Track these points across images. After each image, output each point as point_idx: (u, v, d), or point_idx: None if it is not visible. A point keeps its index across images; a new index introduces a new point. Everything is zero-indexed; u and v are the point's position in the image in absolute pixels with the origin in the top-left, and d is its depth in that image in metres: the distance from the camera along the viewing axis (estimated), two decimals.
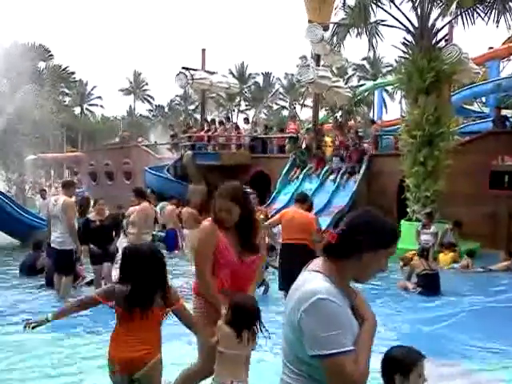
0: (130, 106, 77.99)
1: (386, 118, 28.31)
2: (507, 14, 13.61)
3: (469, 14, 13.81)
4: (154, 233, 12.18)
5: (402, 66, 14.55)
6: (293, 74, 51.75)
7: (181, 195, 16.45)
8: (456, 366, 5.55)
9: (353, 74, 64.97)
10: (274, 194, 17.20)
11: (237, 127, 21.45)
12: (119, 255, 9.38)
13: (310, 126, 20.06)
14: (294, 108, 67.08)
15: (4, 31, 69.99)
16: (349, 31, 15.00)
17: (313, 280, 2.01)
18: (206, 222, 3.78)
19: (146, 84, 79.43)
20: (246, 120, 23.15)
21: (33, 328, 3.44)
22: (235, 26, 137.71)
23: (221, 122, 21.66)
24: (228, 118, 25.66)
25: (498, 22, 13.67)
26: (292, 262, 7.13)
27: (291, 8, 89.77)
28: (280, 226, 7.87)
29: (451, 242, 12.44)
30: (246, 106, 74.18)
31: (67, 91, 68.53)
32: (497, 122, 16.60)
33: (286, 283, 7.41)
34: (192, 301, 3.91)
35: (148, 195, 11.81)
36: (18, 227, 13.86)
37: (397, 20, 14.01)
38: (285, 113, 67.98)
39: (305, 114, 54.84)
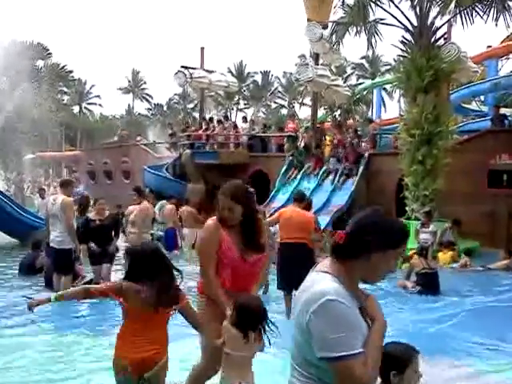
0: (129, 105, 77.91)
1: (384, 117, 28.31)
2: (506, 12, 13.64)
3: (468, 12, 13.83)
4: (153, 232, 12.18)
5: (401, 64, 14.58)
6: (291, 73, 51.60)
7: (179, 194, 16.45)
8: (463, 367, 5.50)
9: (352, 73, 64.85)
10: (272, 192, 17.20)
11: (235, 126, 21.45)
12: (119, 255, 9.42)
13: (309, 124, 20.06)
14: (293, 107, 67.04)
15: (2, 29, 69.75)
16: (348, 30, 15.01)
17: (321, 281, 1.98)
18: (210, 221, 3.79)
19: (145, 83, 79.33)
20: (245, 119, 23.14)
21: (36, 306, 3.46)
22: (234, 24, 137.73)
23: (219, 121, 21.66)
24: (227, 117, 25.65)
25: (496, 20, 13.70)
26: (291, 261, 7.14)
27: (290, 6, 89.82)
28: (277, 225, 7.85)
29: (450, 241, 12.46)
30: (245, 104, 74.13)
31: (66, 90, 68.39)
32: (495, 120, 16.60)
33: (284, 283, 7.42)
34: (196, 300, 3.91)
35: (147, 194, 11.81)
36: (17, 227, 13.84)
37: (396, 19, 14.03)
38: (283, 111, 67.93)
39: (304, 112, 54.88)
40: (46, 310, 7.58)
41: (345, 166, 16.40)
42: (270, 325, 3.42)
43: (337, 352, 1.86)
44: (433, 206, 13.27)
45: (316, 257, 7.80)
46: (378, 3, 14.36)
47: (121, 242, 9.85)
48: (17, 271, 10.40)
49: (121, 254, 9.61)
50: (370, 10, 14.58)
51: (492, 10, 13.63)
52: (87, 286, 4.01)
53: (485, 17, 13.68)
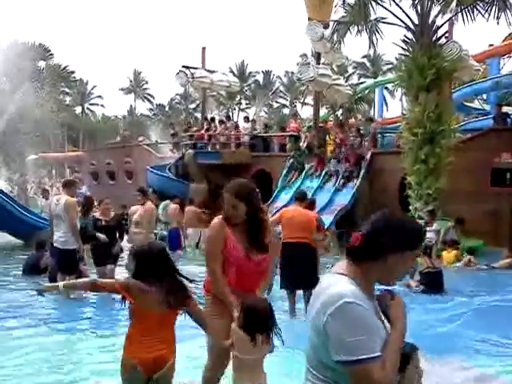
0: (131, 105, 77.98)
1: (386, 116, 28.31)
2: (507, 10, 13.62)
3: (469, 10, 13.81)
4: (156, 231, 12.20)
5: (403, 63, 14.56)
6: (293, 72, 51.57)
7: (182, 194, 16.47)
8: (472, 368, 5.44)
9: (353, 72, 64.83)
10: (275, 192, 17.21)
11: (236, 126, 21.47)
12: (123, 255, 9.42)
13: (312, 124, 20.06)
14: (295, 106, 67.02)
15: (4, 31, 69.96)
16: (349, 29, 15.01)
17: (338, 283, 1.96)
18: (216, 220, 3.81)
19: (146, 83, 79.34)
20: (247, 119, 23.15)
21: (45, 291, 3.51)
22: (235, 24, 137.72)
23: (221, 121, 21.67)
24: (228, 117, 25.66)
25: (498, 18, 13.70)
26: (293, 260, 7.16)
27: (291, 6, 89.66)
28: (279, 225, 7.86)
29: (454, 240, 12.45)
30: (247, 104, 74.13)
31: (68, 90, 68.50)
32: (498, 119, 16.59)
33: (287, 282, 7.45)
34: (204, 299, 3.93)
35: (149, 195, 11.82)
36: (21, 227, 13.89)
37: (397, 17, 14.03)
38: (285, 111, 67.92)
39: (305, 112, 54.75)
40: (55, 311, 7.64)
41: (346, 168, 16.38)
42: (275, 327, 3.42)
43: (354, 355, 1.84)
44: (436, 204, 13.26)
45: (319, 256, 7.82)
46: (379, 2, 14.36)
47: (125, 243, 9.86)
48: (19, 272, 10.43)
49: (125, 254, 9.64)
50: (371, 8, 14.56)
51: (493, 8, 13.63)
52: (95, 279, 4.03)
53: (486, 15, 13.68)
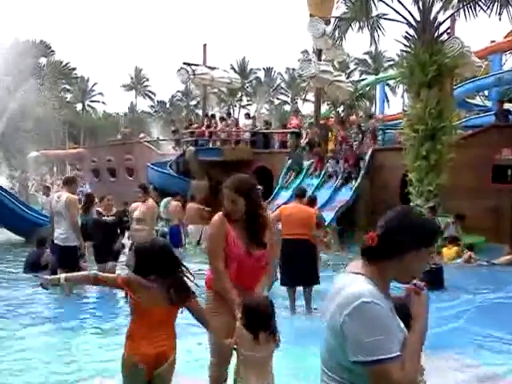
0: (132, 102, 77.97)
1: (388, 113, 28.26)
2: (509, 6, 13.56)
3: (471, 7, 13.75)
4: (157, 228, 12.21)
5: (404, 59, 14.52)
6: (294, 69, 51.57)
7: (183, 191, 16.47)
8: (478, 366, 5.43)
9: (354, 69, 64.81)
10: (276, 190, 17.19)
11: (237, 123, 21.46)
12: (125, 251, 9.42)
13: (313, 120, 20.04)
14: (296, 103, 66.96)
15: (5, 28, 69.90)
16: (350, 25, 14.96)
17: (354, 283, 1.94)
18: (216, 217, 3.81)
19: (147, 80, 79.32)
20: (248, 115, 23.15)
21: (50, 285, 3.49)
22: (236, 21, 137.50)
23: (222, 118, 21.66)
24: (229, 114, 25.64)
25: (500, 14, 13.63)
26: (292, 257, 7.16)
27: (292, 2, 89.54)
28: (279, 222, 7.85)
29: (455, 236, 12.43)
30: (248, 101, 74.09)
31: (68, 87, 68.54)
32: (499, 115, 16.55)
33: (287, 278, 7.46)
34: (205, 296, 3.92)
35: (150, 192, 11.82)
36: (22, 224, 13.90)
37: (398, 14, 13.97)
38: (287, 108, 67.87)
39: (306, 108, 54.70)
40: (56, 309, 7.63)
41: (344, 168, 16.27)
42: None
43: (374, 355, 1.82)
44: (437, 201, 13.23)
45: (319, 252, 7.82)
46: None
47: (125, 240, 9.87)
48: (19, 269, 10.43)
49: (125, 250, 9.64)
50: (373, 5, 14.51)
51: (495, 4, 13.55)
52: (97, 272, 4.01)
53: (488, 11, 13.62)
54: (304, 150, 17.81)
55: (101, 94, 75.13)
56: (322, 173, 16.75)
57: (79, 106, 72.21)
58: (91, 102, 75.19)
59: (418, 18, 13.72)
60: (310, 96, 47.52)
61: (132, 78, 78.20)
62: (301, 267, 7.27)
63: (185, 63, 22.12)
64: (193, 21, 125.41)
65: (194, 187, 17.24)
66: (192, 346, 5.26)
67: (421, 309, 2.06)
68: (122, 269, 9.21)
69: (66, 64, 65.86)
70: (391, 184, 15.40)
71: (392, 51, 52.78)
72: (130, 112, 76.04)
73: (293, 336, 4.39)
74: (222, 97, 65.22)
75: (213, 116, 22.41)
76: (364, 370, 1.86)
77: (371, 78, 34.16)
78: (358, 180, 15.78)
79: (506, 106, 17.85)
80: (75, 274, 3.79)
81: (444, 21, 14.03)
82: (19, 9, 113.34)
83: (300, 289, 7.52)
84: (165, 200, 14.85)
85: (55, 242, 8.39)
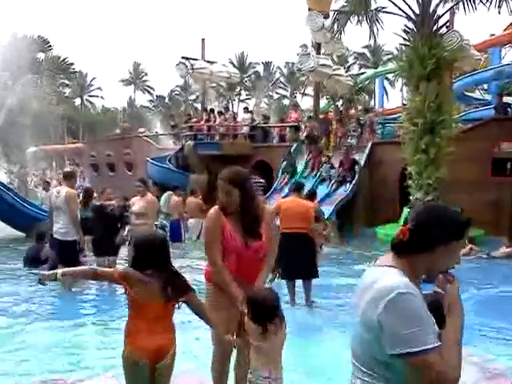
0: (130, 97, 77.82)
1: (387, 106, 28.21)
2: None
3: (470, 0, 13.72)
4: (156, 223, 12.21)
5: (403, 53, 14.50)
6: (293, 63, 51.47)
7: (183, 185, 16.48)
8: (483, 361, 5.33)
9: (354, 63, 64.65)
10: (275, 184, 17.18)
11: (234, 117, 21.45)
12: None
13: (312, 114, 20.03)
14: (295, 97, 66.86)
15: (3, 22, 69.67)
16: (349, 19, 14.94)
17: (386, 275, 1.94)
18: (212, 210, 3.78)
19: (146, 74, 79.15)
20: (246, 109, 23.13)
21: (48, 280, 3.47)
22: (235, 15, 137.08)
23: (220, 112, 21.64)
24: (227, 108, 25.62)
25: (499, 7, 13.61)
26: (290, 251, 7.16)
27: None
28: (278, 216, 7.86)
29: None
30: (247, 95, 73.97)
31: (67, 82, 68.33)
32: (499, 108, 16.56)
33: (285, 273, 7.47)
34: (205, 288, 3.92)
35: (150, 186, 11.82)
36: (22, 219, 13.89)
37: (397, 7, 13.94)
38: (286, 102, 67.76)
39: (306, 102, 54.61)
40: (57, 305, 7.62)
41: (339, 172, 16.12)
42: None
43: (414, 347, 1.81)
44: (436, 194, 13.24)
45: (318, 246, 7.83)
46: None
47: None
48: (18, 264, 10.44)
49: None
50: None
51: None
52: (94, 267, 4.01)
53: (487, 4, 13.60)
54: (303, 144, 17.80)
55: (99, 88, 75.00)
56: (317, 175, 16.68)
57: (78, 101, 71.98)
58: (90, 96, 74.98)
59: (417, 12, 13.68)
60: (309, 90, 47.54)
61: (131, 73, 78.04)
62: (300, 261, 7.29)
63: (183, 57, 22.06)
64: (191, 15, 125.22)
65: (193, 181, 17.25)
66: (190, 340, 5.26)
67: (456, 296, 2.06)
68: (122, 264, 9.23)
69: (64, 59, 65.62)
70: (390, 178, 15.41)
71: (391, 45, 52.84)
72: (128, 107, 75.90)
73: (295, 328, 4.43)
74: (220, 91, 65.02)
75: (212, 110, 22.39)
76: (403, 363, 1.86)
77: (370, 71, 34.11)
78: (352, 184, 15.67)
79: (506, 99, 17.85)
80: (73, 268, 3.77)
81: (443, 14, 14.00)
82: (17, 4, 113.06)
83: (300, 282, 7.55)
84: (166, 194, 14.87)
85: (54, 236, 8.39)
